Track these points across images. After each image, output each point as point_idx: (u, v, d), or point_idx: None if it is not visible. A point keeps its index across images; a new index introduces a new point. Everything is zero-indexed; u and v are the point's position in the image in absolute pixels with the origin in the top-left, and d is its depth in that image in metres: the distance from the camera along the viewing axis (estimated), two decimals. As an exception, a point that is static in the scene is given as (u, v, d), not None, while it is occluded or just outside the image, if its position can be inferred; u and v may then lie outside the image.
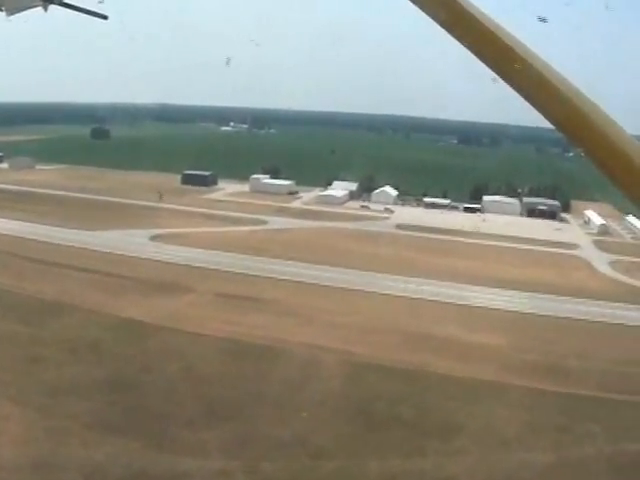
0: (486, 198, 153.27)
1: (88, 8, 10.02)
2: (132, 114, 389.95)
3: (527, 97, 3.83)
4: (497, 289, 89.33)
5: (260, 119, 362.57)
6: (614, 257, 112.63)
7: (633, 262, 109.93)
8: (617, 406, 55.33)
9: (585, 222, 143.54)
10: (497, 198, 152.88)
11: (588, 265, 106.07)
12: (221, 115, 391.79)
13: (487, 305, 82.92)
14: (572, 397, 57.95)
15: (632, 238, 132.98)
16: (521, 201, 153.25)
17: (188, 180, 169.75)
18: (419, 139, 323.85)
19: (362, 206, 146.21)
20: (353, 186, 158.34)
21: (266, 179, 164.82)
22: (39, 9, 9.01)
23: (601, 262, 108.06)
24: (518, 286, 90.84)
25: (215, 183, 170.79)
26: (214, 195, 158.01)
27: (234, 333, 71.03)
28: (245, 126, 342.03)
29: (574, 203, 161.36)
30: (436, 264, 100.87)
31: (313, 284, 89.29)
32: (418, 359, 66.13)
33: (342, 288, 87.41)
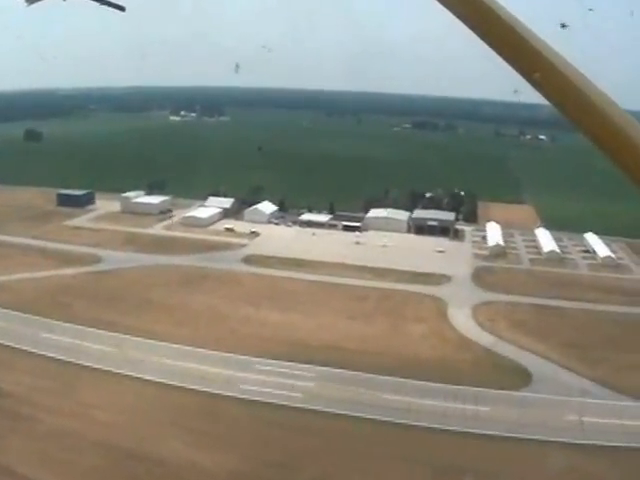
0: (370, 213, 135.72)
1: None
2: (89, 104, 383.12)
3: (531, 81, 3.92)
4: (291, 363, 73.23)
5: (215, 103, 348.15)
6: (487, 296, 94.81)
7: (508, 304, 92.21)
8: None
9: (483, 238, 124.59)
10: (383, 213, 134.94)
11: (441, 312, 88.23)
12: (183, 97, 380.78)
13: (256, 395, 66.73)
14: None
15: (530, 261, 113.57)
16: (411, 215, 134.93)
17: (63, 201, 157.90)
18: (374, 123, 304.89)
19: (226, 229, 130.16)
20: (228, 202, 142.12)
21: (138, 197, 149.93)
22: None
23: (464, 306, 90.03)
24: (323, 355, 74.83)
25: (91, 203, 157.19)
26: (79, 220, 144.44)
27: None
28: (194, 115, 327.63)
29: (494, 207, 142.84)
30: (243, 321, 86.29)
31: (68, 363, 75.56)
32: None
33: (95, 369, 73.65)
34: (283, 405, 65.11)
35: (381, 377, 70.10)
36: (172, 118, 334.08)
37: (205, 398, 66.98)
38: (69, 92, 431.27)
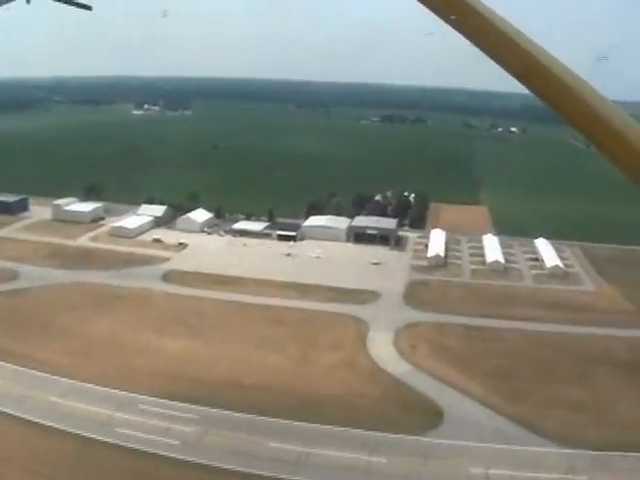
0: (308, 221, 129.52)
1: None
2: (54, 96, 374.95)
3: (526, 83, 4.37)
4: (176, 402, 67.25)
5: (182, 95, 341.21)
6: (415, 316, 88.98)
7: (436, 325, 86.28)
8: None
9: (426, 247, 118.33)
10: (321, 221, 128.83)
11: (360, 338, 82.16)
12: (155, 88, 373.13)
13: (131, 441, 60.55)
14: None
15: (472, 273, 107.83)
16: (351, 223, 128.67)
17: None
18: (343, 116, 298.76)
19: (155, 239, 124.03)
20: (160, 210, 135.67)
21: (70, 205, 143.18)
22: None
23: (387, 329, 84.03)
24: (215, 393, 68.91)
25: (25, 209, 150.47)
26: (8, 229, 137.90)
27: None
28: (157, 108, 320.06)
29: (447, 209, 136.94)
30: (141, 351, 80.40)
31: None
32: None
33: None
34: (155, 454, 59.32)
35: (273, 420, 64.32)
36: (135, 112, 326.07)
37: (76, 443, 60.99)
38: (39, 82, 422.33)
